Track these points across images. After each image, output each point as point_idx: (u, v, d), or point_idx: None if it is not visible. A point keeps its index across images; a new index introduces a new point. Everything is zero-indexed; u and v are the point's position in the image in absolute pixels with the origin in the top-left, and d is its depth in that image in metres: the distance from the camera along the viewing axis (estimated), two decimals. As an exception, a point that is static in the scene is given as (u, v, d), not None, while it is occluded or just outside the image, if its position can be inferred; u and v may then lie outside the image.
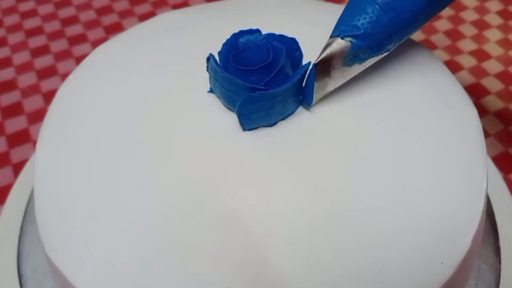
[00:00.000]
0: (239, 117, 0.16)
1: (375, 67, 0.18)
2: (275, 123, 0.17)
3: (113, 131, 0.17)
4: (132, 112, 0.18)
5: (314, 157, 0.16)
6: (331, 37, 0.16)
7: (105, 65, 0.20)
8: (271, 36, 0.17)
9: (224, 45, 0.17)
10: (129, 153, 0.16)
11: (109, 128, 0.17)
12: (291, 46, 0.17)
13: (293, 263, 0.14)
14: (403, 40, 0.17)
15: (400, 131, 0.17)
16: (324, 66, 0.16)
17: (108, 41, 0.21)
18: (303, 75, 0.17)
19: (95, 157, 0.17)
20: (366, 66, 0.17)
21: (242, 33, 0.18)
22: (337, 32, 0.16)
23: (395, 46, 0.17)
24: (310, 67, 0.16)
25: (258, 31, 0.18)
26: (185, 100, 0.18)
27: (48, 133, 0.18)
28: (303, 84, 0.17)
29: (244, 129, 0.16)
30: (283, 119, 0.17)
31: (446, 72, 0.19)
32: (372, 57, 0.16)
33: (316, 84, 0.16)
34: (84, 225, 0.15)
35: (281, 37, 0.17)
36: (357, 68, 0.16)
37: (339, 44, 0.16)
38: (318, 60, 0.16)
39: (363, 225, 0.14)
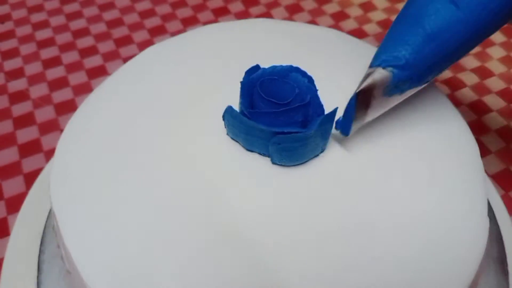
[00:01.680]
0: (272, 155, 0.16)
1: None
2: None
3: (129, 146, 0.18)
4: (149, 148, 0.18)
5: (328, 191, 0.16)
6: (371, 66, 0.16)
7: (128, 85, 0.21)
8: (289, 69, 0.17)
9: (244, 84, 0.17)
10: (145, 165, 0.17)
11: (125, 141, 0.18)
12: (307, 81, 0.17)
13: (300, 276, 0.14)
14: (444, 70, 0.16)
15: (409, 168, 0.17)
16: (365, 96, 0.16)
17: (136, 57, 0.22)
18: (329, 117, 0.16)
19: (111, 157, 0.18)
20: (405, 97, 0.16)
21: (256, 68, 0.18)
22: (379, 61, 0.16)
23: (433, 78, 0.16)
24: (351, 96, 0.16)
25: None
26: (204, 143, 0.18)
27: (67, 141, 0.19)
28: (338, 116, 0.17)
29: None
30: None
31: (453, 111, 0.20)
32: (412, 87, 0.16)
33: (355, 115, 0.16)
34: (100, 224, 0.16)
35: (300, 72, 0.17)
36: (397, 99, 0.16)
37: (381, 74, 0.15)
38: (360, 89, 0.16)
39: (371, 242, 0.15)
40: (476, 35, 0.16)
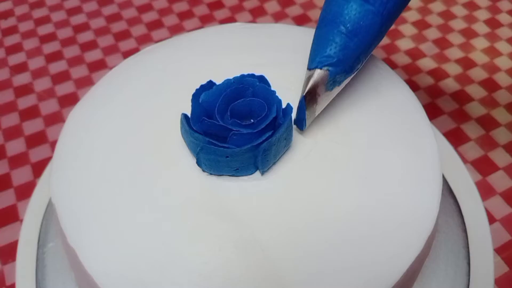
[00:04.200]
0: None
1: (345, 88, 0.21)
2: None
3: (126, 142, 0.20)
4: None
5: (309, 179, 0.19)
6: (309, 69, 0.18)
7: (119, 89, 0.22)
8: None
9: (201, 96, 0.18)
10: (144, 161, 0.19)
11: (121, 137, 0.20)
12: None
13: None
14: (368, 57, 0.19)
15: (367, 148, 0.19)
16: (312, 96, 0.18)
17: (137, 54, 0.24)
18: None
19: (110, 155, 0.19)
20: (343, 87, 0.19)
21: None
22: (315, 64, 0.18)
23: (363, 64, 0.19)
24: (300, 98, 0.19)
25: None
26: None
27: (66, 141, 0.21)
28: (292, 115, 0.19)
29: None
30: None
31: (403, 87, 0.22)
32: (347, 78, 0.19)
33: (307, 112, 0.19)
34: (104, 221, 0.18)
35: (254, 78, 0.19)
36: (337, 90, 0.19)
37: (319, 74, 0.18)
38: (306, 91, 0.18)
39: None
40: (389, 19, 0.19)
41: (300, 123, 0.19)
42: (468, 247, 0.24)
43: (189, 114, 0.18)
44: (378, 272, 0.17)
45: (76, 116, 0.21)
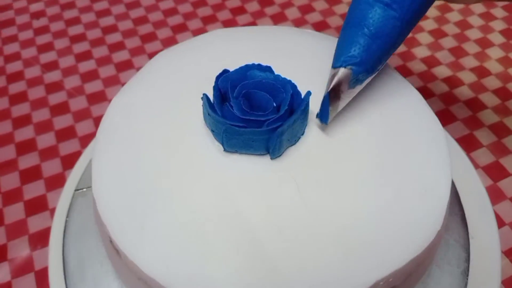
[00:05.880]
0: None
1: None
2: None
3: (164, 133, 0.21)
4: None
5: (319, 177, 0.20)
6: (334, 67, 0.20)
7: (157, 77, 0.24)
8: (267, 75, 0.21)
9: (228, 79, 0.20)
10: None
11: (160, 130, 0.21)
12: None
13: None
14: (388, 58, 0.21)
15: (377, 149, 0.21)
16: (335, 92, 0.20)
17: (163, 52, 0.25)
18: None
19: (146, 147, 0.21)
20: (364, 85, 0.20)
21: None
22: (339, 63, 0.20)
23: (383, 66, 0.21)
24: (324, 94, 0.20)
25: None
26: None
27: (102, 145, 0.22)
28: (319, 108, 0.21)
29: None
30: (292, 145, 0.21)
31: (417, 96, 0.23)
32: (368, 77, 0.20)
33: (330, 107, 0.20)
34: (137, 212, 0.19)
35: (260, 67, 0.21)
36: (359, 88, 0.20)
37: (343, 72, 0.20)
38: (330, 88, 0.20)
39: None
40: (409, 25, 0.20)
41: (324, 117, 0.20)
42: (469, 251, 0.25)
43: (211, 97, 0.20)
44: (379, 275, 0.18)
45: (118, 102, 0.23)
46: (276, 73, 0.21)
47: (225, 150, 0.20)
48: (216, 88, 0.20)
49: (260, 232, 0.18)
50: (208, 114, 0.20)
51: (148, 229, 0.18)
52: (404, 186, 0.20)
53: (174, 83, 0.23)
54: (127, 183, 0.20)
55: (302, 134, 0.21)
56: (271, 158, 0.20)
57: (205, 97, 0.20)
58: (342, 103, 0.20)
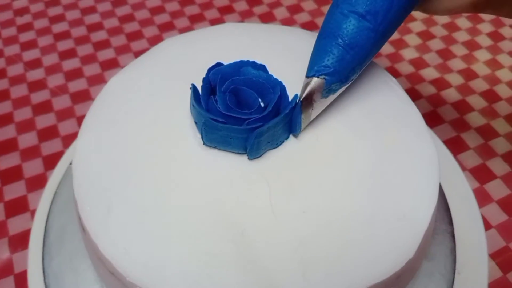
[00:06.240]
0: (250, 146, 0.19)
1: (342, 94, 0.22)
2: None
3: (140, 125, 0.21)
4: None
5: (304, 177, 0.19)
6: (307, 77, 0.20)
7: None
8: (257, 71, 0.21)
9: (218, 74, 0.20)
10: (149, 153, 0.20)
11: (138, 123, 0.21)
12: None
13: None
14: (363, 69, 0.20)
15: (364, 151, 0.20)
16: (308, 101, 0.20)
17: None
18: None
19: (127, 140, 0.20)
20: (338, 95, 0.20)
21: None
22: (313, 72, 0.20)
23: (357, 75, 0.20)
24: (297, 102, 0.20)
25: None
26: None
27: (90, 123, 0.22)
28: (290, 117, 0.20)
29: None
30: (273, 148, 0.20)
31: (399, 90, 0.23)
32: (342, 87, 0.20)
33: (302, 116, 0.20)
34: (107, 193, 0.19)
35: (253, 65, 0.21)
36: (332, 98, 0.20)
37: (316, 82, 0.19)
38: (302, 97, 0.20)
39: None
40: (384, 36, 0.20)
41: (295, 127, 0.20)
42: (455, 253, 0.25)
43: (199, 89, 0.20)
44: (368, 274, 0.17)
45: (113, 84, 0.23)
46: (275, 74, 0.21)
47: (204, 143, 0.20)
48: (206, 80, 0.20)
49: (221, 229, 0.18)
50: (193, 105, 0.19)
51: (115, 212, 0.18)
52: (387, 195, 0.19)
53: (174, 70, 0.23)
54: (104, 164, 0.20)
55: (286, 139, 0.20)
56: (249, 158, 0.19)
57: (193, 87, 0.20)
58: (315, 112, 0.20)
